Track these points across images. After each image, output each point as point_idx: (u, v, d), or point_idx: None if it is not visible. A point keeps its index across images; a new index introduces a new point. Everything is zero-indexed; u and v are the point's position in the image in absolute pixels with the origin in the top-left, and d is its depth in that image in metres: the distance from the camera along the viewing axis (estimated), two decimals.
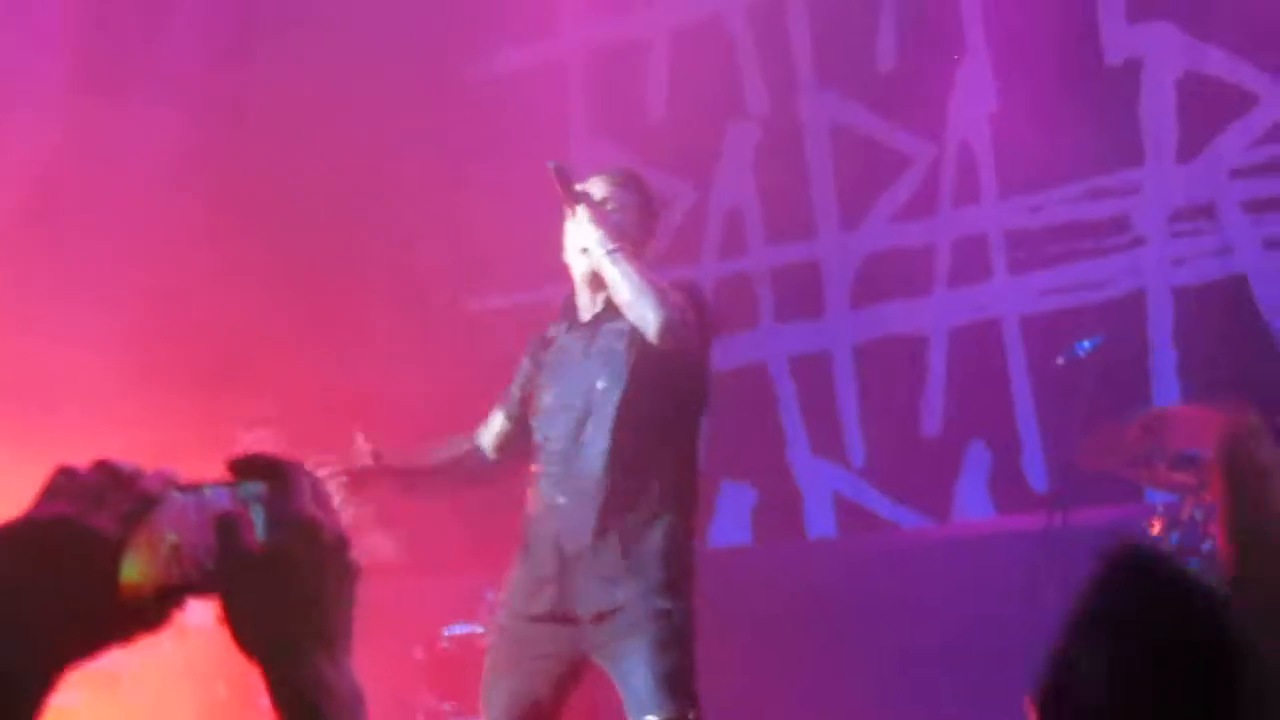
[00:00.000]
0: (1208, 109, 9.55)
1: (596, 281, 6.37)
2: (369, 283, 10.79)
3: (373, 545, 9.59)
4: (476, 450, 6.90)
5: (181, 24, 11.43)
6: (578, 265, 6.46)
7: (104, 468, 1.66)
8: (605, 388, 6.26)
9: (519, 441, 6.69)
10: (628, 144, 11.18)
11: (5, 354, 9.53)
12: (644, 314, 6.04)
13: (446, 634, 9.12)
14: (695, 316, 6.23)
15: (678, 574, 6.21)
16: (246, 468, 1.69)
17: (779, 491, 10.48)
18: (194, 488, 1.67)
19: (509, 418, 6.77)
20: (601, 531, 6.16)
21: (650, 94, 11.23)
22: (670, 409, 6.32)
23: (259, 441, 9.63)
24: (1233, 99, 9.47)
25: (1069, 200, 9.85)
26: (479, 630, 9.02)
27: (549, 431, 6.40)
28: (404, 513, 9.88)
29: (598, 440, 6.20)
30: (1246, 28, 9.43)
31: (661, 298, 6.06)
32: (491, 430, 6.86)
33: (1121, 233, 9.68)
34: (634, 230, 6.48)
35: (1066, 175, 9.85)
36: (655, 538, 6.17)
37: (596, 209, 6.29)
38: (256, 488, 1.66)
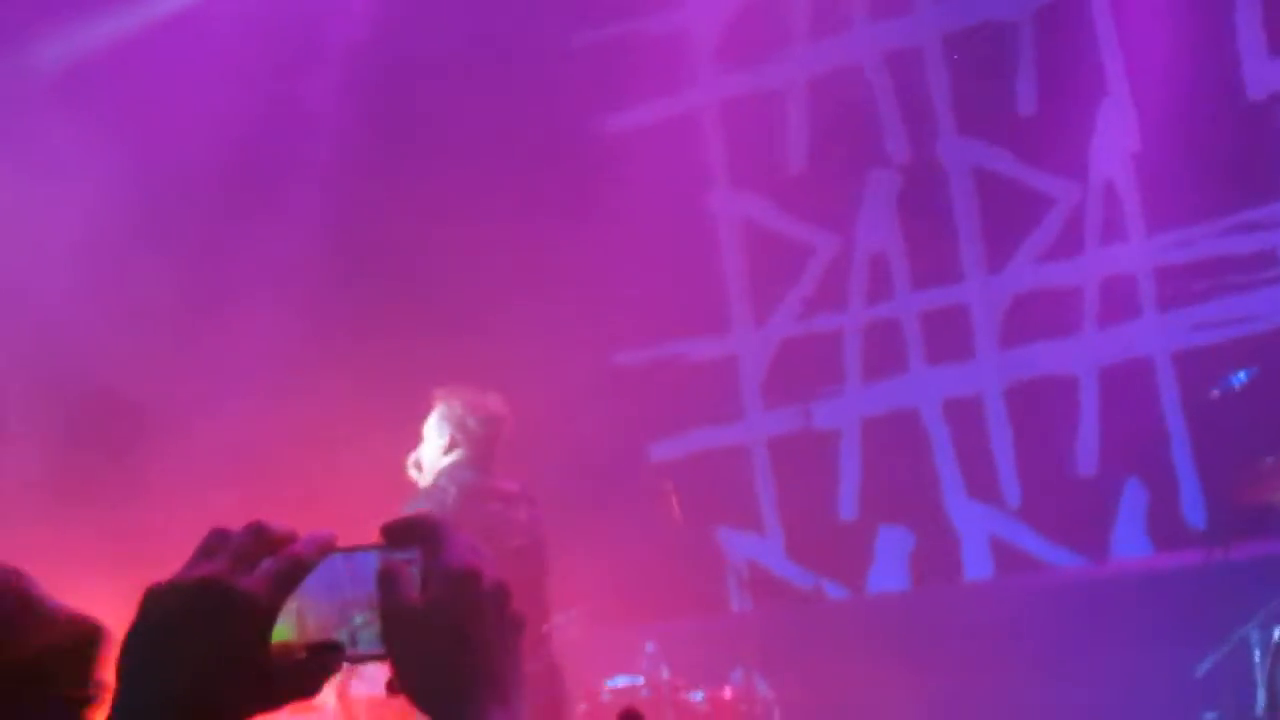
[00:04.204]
0: None
1: None
2: (509, 343, 10.82)
3: (567, 618, 9.67)
4: None
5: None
6: None
7: (256, 529, 1.65)
8: None
9: None
10: (768, 194, 11.25)
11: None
12: None
13: (608, 687, 9.16)
14: None
15: None
16: (400, 529, 1.69)
17: (936, 535, 10.47)
18: (349, 550, 1.66)
19: None
20: None
21: (790, 144, 11.28)
22: None
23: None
24: None
25: (1216, 235, 9.81)
26: (640, 681, 9.07)
27: None
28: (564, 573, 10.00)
29: None
30: None
31: None
32: None
33: (1270, 266, 9.62)
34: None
35: (1213, 210, 9.81)
36: None
37: None
38: (412, 547, 1.65)
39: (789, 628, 10.13)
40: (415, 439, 10.04)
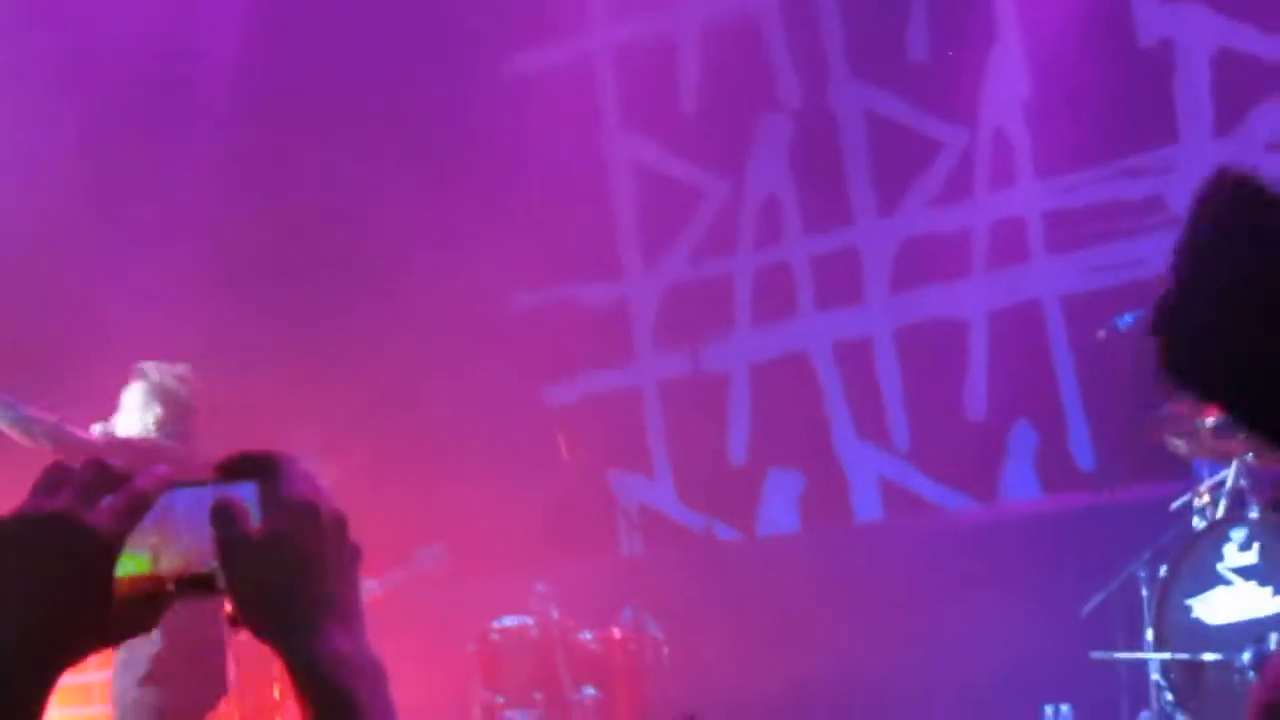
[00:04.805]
0: (1242, 86, 9.58)
1: None
2: (404, 286, 10.76)
3: (430, 554, 9.69)
4: None
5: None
6: None
7: (96, 465, 1.63)
8: None
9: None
10: (659, 138, 11.25)
11: None
12: None
13: (497, 626, 9.18)
14: None
15: None
16: (236, 464, 1.69)
17: (825, 477, 10.54)
18: (188, 484, 1.67)
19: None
20: None
21: (681, 88, 11.27)
22: None
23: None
24: (1267, 75, 9.50)
25: (1104, 180, 9.89)
26: (528, 621, 9.10)
27: None
28: (449, 518, 9.99)
29: None
30: (1277, 4, 9.47)
31: None
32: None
33: (1157, 211, 9.71)
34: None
35: (1101, 156, 9.90)
36: None
37: None
38: (249, 481, 1.66)
39: (679, 569, 10.17)
40: (309, 379, 10.01)
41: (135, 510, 1.66)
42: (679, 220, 11.20)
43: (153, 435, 7.47)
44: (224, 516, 1.68)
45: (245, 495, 1.69)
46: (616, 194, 11.38)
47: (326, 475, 9.72)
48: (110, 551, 1.63)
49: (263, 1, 11.25)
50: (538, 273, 11.22)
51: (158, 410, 7.48)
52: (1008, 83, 10.26)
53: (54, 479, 1.67)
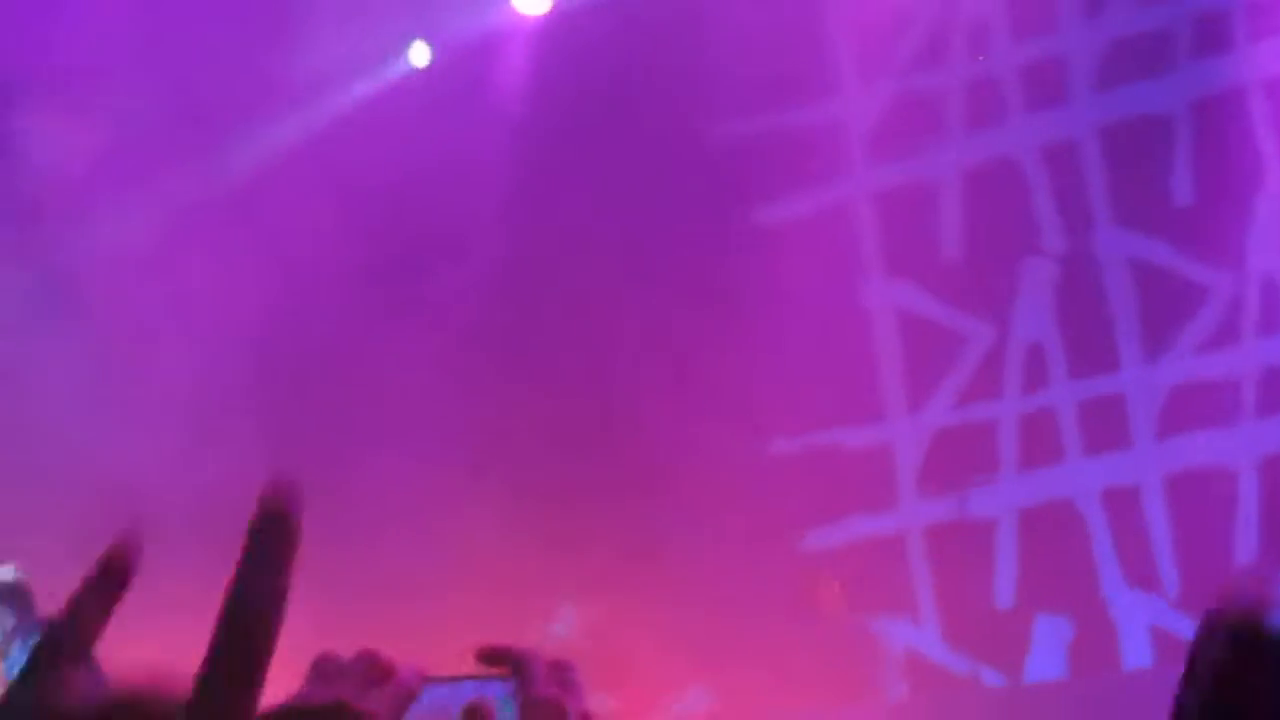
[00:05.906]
0: None
1: None
2: (665, 429, 10.81)
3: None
4: None
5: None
6: None
7: (367, 657, 1.71)
8: None
9: None
10: (922, 283, 11.31)
11: None
12: None
13: None
14: None
15: None
16: (487, 659, 1.75)
17: (1094, 624, 10.43)
18: (443, 680, 1.73)
19: None
20: None
21: (944, 233, 11.33)
22: None
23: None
24: None
25: None
26: None
27: None
28: (708, 668, 10.02)
29: None
30: None
31: None
32: None
33: None
34: None
35: None
36: None
37: None
38: (499, 677, 1.72)
39: (944, 715, 10.10)
40: (568, 547, 10.04)
41: (404, 703, 1.67)
42: (943, 365, 11.22)
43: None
44: (473, 717, 1.71)
45: (497, 693, 1.76)
46: (880, 338, 11.44)
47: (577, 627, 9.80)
48: None
49: (514, 155, 11.48)
50: (801, 417, 11.28)
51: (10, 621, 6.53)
52: (1275, 227, 10.19)
53: (325, 669, 1.70)
